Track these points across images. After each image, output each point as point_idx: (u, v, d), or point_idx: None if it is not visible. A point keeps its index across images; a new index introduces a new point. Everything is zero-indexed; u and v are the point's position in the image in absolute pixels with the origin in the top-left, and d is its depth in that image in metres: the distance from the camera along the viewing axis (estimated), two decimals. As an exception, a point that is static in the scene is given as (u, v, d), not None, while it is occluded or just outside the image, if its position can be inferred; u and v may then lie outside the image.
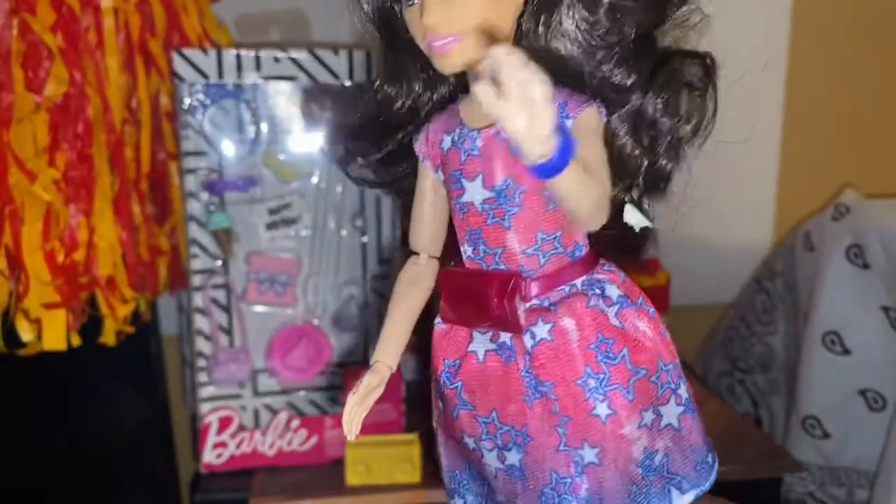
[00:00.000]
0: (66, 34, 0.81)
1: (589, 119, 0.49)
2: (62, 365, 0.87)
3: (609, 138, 0.51)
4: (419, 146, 0.56)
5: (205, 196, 0.89)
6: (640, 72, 0.50)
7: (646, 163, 0.51)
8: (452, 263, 0.56)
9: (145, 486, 1.10)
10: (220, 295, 0.92)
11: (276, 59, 0.87)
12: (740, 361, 1.26)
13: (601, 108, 0.50)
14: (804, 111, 1.26)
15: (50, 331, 0.81)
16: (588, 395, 0.50)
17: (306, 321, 0.94)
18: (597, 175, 0.46)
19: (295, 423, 0.94)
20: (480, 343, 0.53)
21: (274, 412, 0.94)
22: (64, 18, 0.80)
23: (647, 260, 1.10)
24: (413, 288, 0.56)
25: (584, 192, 0.44)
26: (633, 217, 0.54)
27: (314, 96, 0.88)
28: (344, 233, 0.94)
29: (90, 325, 0.86)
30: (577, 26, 0.50)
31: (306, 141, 0.90)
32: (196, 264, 0.90)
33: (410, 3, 0.51)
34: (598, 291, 0.52)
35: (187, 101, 0.87)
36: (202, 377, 0.92)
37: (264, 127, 0.89)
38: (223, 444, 0.92)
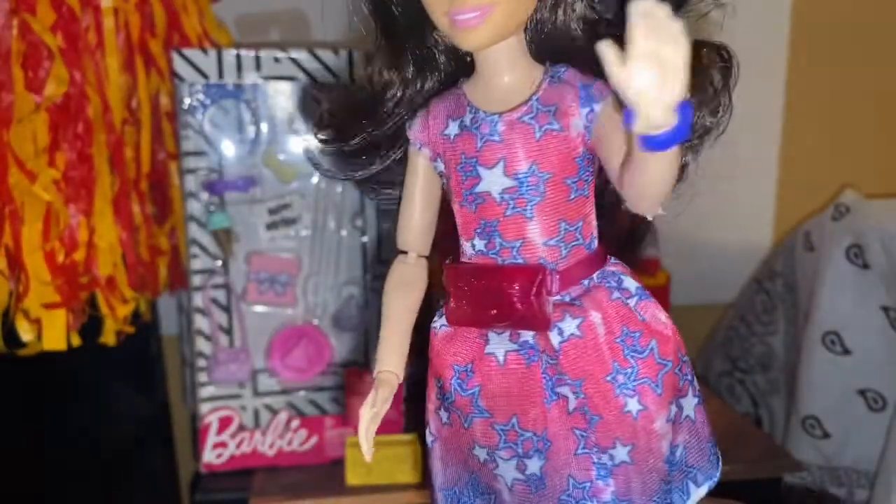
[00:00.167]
0: (66, 34, 0.81)
1: (617, 103, 0.46)
2: (62, 365, 0.87)
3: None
4: (415, 133, 0.52)
5: (205, 196, 0.89)
6: None
7: None
8: (449, 261, 0.52)
9: (145, 486, 1.10)
10: (220, 295, 0.92)
11: (276, 59, 0.87)
12: (740, 361, 1.26)
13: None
14: (804, 111, 1.26)
15: (50, 331, 0.81)
16: (618, 392, 0.47)
17: (306, 321, 0.94)
18: None
19: (295, 423, 0.94)
20: (499, 343, 0.50)
21: (274, 412, 0.94)
22: (64, 18, 0.80)
23: (647, 260, 1.10)
24: (406, 289, 0.53)
25: (672, 173, 0.42)
26: None
27: (314, 96, 0.88)
28: (344, 233, 0.94)
29: (90, 325, 0.86)
30: (593, 8, 0.48)
31: (306, 141, 0.90)
32: (196, 264, 0.90)
33: None
34: (615, 284, 0.49)
35: (187, 101, 0.87)
36: (202, 377, 0.92)
37: (264, 127, 0.89)
38: (223, 444, 0.92)
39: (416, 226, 0.53)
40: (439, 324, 0.52)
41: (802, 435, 1.09)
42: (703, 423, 0.51)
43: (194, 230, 0.90)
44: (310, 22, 1.13)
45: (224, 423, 0.92)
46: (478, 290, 0.49)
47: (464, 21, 0.46)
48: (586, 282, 0.49)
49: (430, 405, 0.54)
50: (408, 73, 0.52)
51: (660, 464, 0.49)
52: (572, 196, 0.48)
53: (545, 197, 0.48)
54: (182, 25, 0.94)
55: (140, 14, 0.88)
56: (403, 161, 0.54)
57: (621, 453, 0.48)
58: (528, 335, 0.49)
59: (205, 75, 0.87)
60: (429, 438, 0.54)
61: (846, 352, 1.06)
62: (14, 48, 0.77)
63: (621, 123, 0.41)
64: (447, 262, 0.53)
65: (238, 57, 0.87)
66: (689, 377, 0.51)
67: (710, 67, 0.48)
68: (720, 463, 0.53)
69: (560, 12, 0.49)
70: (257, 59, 0.87)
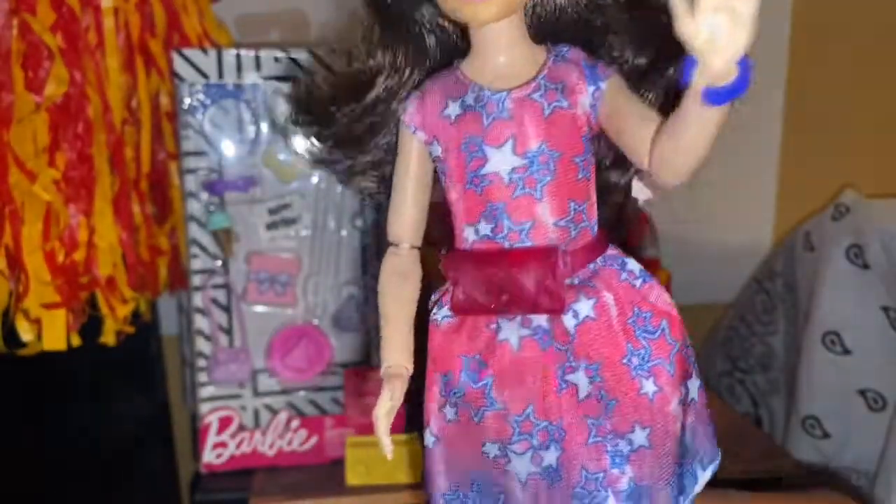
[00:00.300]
0: (66, 34, 0.81)
1: (620, 80, 0.47)
2: (62, 365, 0.87)
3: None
4: (409, 116, 0.50)
5: (205, 196, 0.89)
6: (658, 50, 0.47)
7: None
8: (444, 251, 0.51)
9: (145, 486, 1.10)
10: (220, 295, 0.92)
11: (276, 59, 0.87)
12: (740, 361, 1.26)
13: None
14: (804, 111, 1.26)
15: (50, 331, 0.82)
16: (634, 374, 0.47)
17: (306, 321, 0.94)
18: None
19: (295, 423, 0.94)
20: (511, 330, 0.48)
21: (274, 412, 0.94)
22: (64, 18, 0.80)
23: (647, 260, 1.10)
24: (402, 280, 0.51)
25: (713, 136, 0.41)
26: (640, 191, 0.53)
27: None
28: (344, 233, 0.94)
29: (90, 325, 0.86)
30: None
31: (306, 141, 0.90)
32: (196, 264, 0.90)
33: None
34: (619, 266, 0.49)
35: (187, 101, 0.87)
36: (202, 377, 0.92)
37: (264, 127, 0.89)
38: (223, 444, 0.92)
39: (408, 215, 0.51)
40: (441, 315, 0.51)
41: (802, 435, 1.09)
42: (703, 405, 0.51)
43: (194, 230, 0.90)
44: (310, 22, 1.13)
45: (224, 423, 0.92)
46: (487, 277, 0.48)
47: None
48: (592, 265, 0.49)
49: (432, 403, 0.51)
50: (398, 55, 0.51)
51: (675, 447, 0.48)
52: (580, 176, 0.48)
53: (555, 176, 0.47)
54: (182, 25, 0.94)
55: (140, 14, 0.88)
56: (391, 151, 0.52)
57: (640, 437, 0.47)
58: (541, 319, 0.48)
59: (205, 75, 0.87)
60: (429, 440, 0.52)
61: (846, 352, 1.06)
62: (14, 48, 0.77)
63: (633, 95, 0.41)
64: (442, 251, 0.51)
65: (238, 57, 0.87)
66: (692, 359, 0.50)
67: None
68: (719, 448, 0.52)
69: None
70: (257, 59, 0.87)
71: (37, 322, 0.81)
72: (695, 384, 0.50)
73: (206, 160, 0.89)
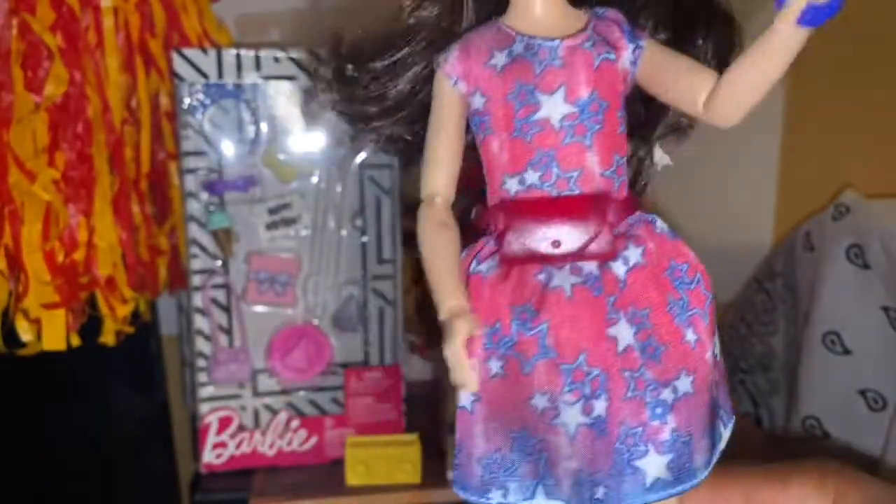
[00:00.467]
0: (66, 34, 0.81)
1: (657, 43, 0.47)
2: (62, 365, 0.87)
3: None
4: (451, 66, 0.49)
5: (205, 196, 0.89)
6: (675, 30, 0.48)
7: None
8: (475, 210, 0.50)
9: (145, 486, 1.10)
10: (220, 295, 0.92)
11: (276, 59, 0.87)
12: (740, 361, 1.26)
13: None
14: (804, 111, 1.26)
15: (50, 331, 0.81)
16: (677, 322, 0.47)
17: (306, 321, 0.94)
18: None
19: (295, 423, 0.94)
20: (562, 277, 0.47)
21: (274, 412, 0.94)
22: (64, 18, 0.80)
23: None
24: (444, 228, 0.49)
25: (784, 69, 0.41)
26: (661, 157, 0.53)
27: (314, 96, 0.88)
28: (344, 233, 0.94)
29: (90, 325, 0.86)
30: None
31: (306, 141, 0.90)
32: (196, 264, 0.90)
33: None
34: (651, 221, 0.49)
35: (187, 101, 0.87)
36: (202, 377, 0.92)
37: (264, 127, 0.89)
38: (223, 444, 0.92)
39: (444, 167, 0.50)
40: (486, 266, 0.49)
41: (802, 435, 1.09)
42: (722, 363, 0.52)
43: (194, 230, 0.90)
44: (310, 22, 1.13)
45: (224, 423, 0.92)
46: (538, 225, 0.48)
47: None
48: (631, 219, 0.49)
49: (472, 360, 0.49)
50: (444, 10, 0.50)
51: (710, 398, 0.48)
52: (620, 129, 0.48)
53: (604, 126, 0.47)
54: (182, 25, 0.94)
55: (140, 14, 0.88)
56: (426, 107, 0.51)
57: (685, 383, 0.47)
58: (591, 266, 0.48)
59: (205, 75, 0.87)
60: (467, 401, 0.50)
61: (846, 352, 1.05)
62: (14, 48, 0.77)
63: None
64: (478, 205, 0.51)
65: (238, 57, 0.87)
66: (714, 317, 0.51)
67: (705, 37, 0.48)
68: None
69: None
70: (257, 59, 0.87)
71: (36, 322, 0.81)
72: (717, 341, 0.51)
73: (205, 160, 0.89)
